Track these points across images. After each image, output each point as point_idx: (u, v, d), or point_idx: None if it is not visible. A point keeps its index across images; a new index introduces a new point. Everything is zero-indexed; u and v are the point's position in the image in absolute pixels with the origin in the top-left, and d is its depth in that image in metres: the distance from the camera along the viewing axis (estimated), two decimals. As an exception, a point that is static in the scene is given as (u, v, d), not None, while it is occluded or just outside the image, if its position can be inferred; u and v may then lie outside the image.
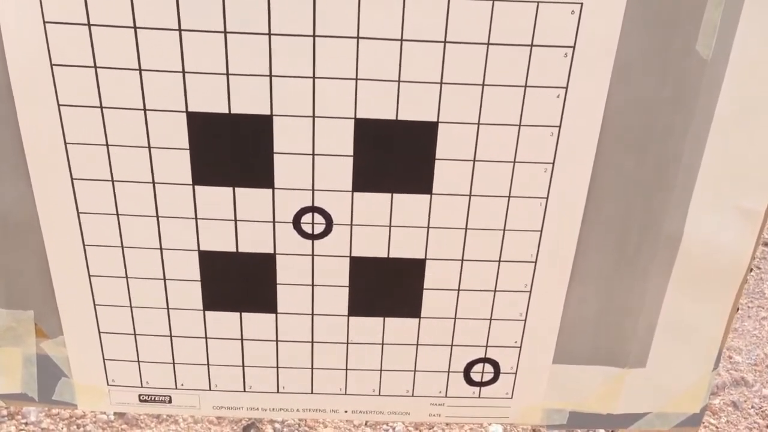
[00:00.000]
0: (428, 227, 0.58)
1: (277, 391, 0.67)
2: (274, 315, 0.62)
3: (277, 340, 0.64)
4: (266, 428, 1.47)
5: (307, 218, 0.58)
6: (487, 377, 0.66)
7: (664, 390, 0.66)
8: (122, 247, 0.59)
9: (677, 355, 0.64)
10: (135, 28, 0.50)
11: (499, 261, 0.60)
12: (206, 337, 0.63)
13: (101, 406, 0.67)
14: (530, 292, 0.61)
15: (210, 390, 0.66)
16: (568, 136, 0.55)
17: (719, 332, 0.63)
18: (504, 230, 0.59)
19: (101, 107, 0.53)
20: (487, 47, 0.51)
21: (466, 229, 0.58)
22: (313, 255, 0.59)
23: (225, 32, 0.50)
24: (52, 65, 0.51)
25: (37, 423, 1.46)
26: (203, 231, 0.58)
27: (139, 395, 0.67)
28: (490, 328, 0.63)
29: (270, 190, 0.56)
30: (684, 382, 0.66)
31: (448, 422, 0.71)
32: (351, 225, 0.58)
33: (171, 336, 0.63)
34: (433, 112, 0.54)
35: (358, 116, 0.54)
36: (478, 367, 0.65)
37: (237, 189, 0.56)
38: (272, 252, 0.59)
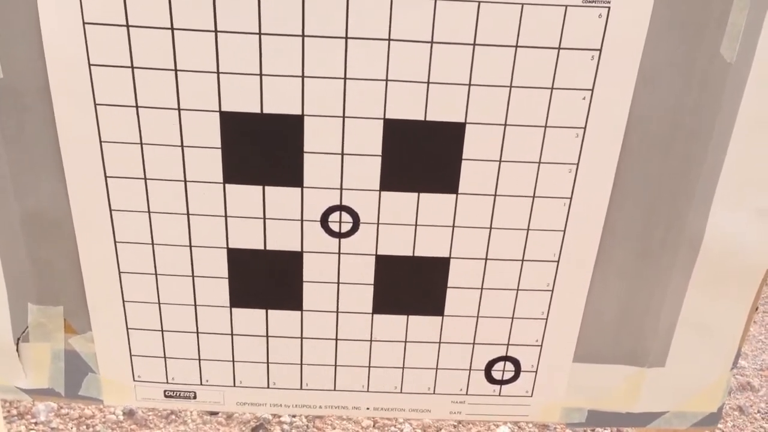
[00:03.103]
0: (453, 226, 0.59)
1: (300, 388, 0.67)
2: (299, 312, 0.63)
3: (301, 337, 0.65)
4: (274, 429, 1.47)
5: (334, 217, 0.59)
6: (508, 375, 0.67)
7: (683, 389, 0.67)
8: (152, 244, 0.60)
9: (696, 354, 0.65)
10: (172, 29, 0.51)
11: (522, 260, 0.61)
12: (232, 334, 0.64)
13: (127, 402, 0.68)
14: (552, 291, 0.62)
15: (234, 386, 0.67)
16: (592, 138, 0.56)
17: (738, 332, 0.64)
18: (528, 230, 0.60)
19: (137, 106, 0.54)
20: (515, 50, 0.52)
21: (490, 228, 0.59)
22: (339, 253, 0.60)
23: (260, 34, 0.51)
24: (90, 65, 0.52)
25: (47, 423, 1.46)
26: (232, 229, 0.59)
27: (165, 391, 0.67)
28: (511, 326, 0.64)
29: (299, 189, 0.58)
30: (702, 381, 0.66)
31: (467, 420, 0.72)
32: (377, 224, 0.59)
33: (197, 332, 0.64)
34: (461, 114, 0.55)
35: (387, 117, 0.55)
36: (499, 366, 0.66)
37: (266, 188, 0.57)
38: (299, 250, 0.60)
